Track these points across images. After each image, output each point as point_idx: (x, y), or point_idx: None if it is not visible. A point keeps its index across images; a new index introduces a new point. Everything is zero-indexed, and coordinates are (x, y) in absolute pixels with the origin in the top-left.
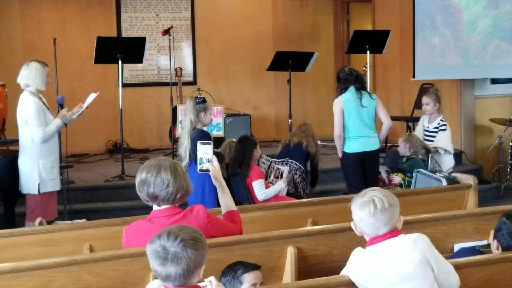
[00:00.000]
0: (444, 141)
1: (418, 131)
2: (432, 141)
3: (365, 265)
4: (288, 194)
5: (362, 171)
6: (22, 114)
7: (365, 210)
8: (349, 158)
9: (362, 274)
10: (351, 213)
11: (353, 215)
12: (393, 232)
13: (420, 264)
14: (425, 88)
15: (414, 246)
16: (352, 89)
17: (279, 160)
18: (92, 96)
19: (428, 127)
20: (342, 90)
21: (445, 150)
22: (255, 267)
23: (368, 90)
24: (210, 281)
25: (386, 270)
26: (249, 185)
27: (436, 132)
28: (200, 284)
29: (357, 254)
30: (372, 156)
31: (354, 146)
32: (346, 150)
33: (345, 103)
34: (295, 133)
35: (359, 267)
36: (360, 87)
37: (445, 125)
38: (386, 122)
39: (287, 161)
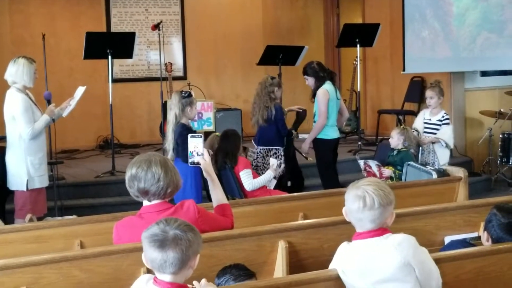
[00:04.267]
0: (448, 134)
1: (418, 124)
2: (433, 133)
3: (350, 260)
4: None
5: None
6: (9, 111)
7: (355, 204)
8: (329, 144)
9: (348, 269)
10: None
11: (345, 202)
12: (379, 230)
13: (402, 268)
14: (416, 82)
15: (398, 249)
16: (329, 82)
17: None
18: (80, 90)
19: (430, 119)
20: (320, 82)
21: (447, 144)
22: (248, 276)
23: (359, 83)
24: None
25: (369, 269)
26: (238, 176)
27: (439, 125)
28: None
29: (342, 248)
30: (339, 141)
31: (332, 133)
32: (325, 137)
33: (330, 94)
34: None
35: (345, 262)
36: (334, 82)
37: (448, 119)
38: (347, 114)
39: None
